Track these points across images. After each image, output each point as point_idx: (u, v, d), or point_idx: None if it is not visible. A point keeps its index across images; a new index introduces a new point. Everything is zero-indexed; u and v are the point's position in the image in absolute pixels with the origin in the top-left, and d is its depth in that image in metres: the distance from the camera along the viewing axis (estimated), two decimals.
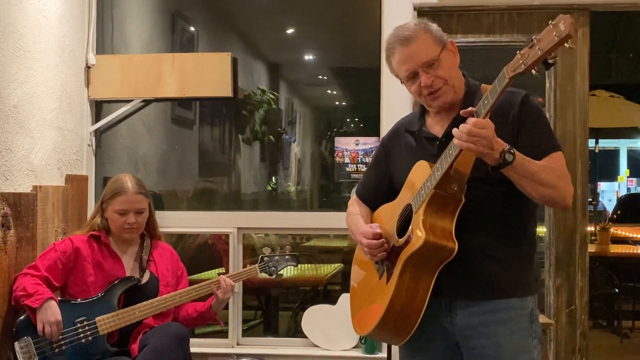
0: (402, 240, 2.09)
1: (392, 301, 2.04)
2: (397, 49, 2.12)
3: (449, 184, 2.00)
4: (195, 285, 3.14)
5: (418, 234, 1.99)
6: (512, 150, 1.89)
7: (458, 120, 2.09)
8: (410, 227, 2.06)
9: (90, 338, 2.95)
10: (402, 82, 2.21)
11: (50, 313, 2.88)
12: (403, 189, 2.21)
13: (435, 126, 2.20)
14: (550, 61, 1.75)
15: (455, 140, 1.89)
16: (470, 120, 1.87)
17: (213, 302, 3.16)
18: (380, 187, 2.37)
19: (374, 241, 2.15)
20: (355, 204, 2.46)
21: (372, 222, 2.32)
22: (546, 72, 3.63)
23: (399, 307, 2.05)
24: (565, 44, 1.69)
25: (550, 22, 1.72)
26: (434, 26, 2.15)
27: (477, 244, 2.04)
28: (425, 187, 2.02)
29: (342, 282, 4.51)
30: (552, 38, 1.69)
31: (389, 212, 2.26)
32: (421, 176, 2.08)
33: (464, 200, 2.01)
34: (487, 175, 1.98)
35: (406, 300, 2.04)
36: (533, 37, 1.76)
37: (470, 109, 1.91)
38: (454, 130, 1.90)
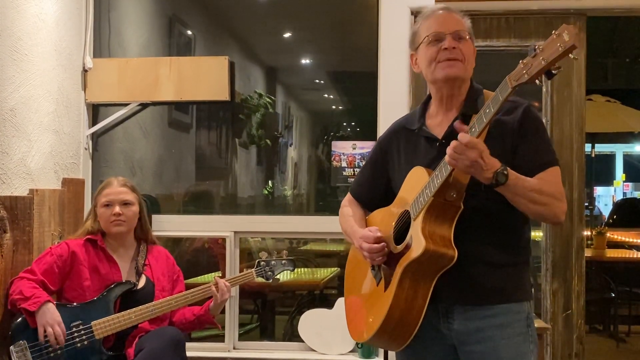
0: (400, 247, 2.08)
1: (391, 309, 2.03)
2: (436, 12, 2.17)
3: (448, 192, 1.99)
4: (192, 290, 3.13)
5: (418, 241, 1.98)
6: (505, 172, 1.90)
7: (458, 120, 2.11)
8: (409, 234, 2.06)
9: (85, 342, 2.94)
10: (415, 49, 2.20)
11: (50, 315, 2.88)
12: (399, 195, 2.20)
13: (436, 127, 2.18)
14: (554, 71, 1.74)
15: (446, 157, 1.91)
16: (460, 135, 1.87)
17: (211, 305, 3.15)
18: (377, 188, 2.35)
19: (375, 245, 2.13)
20: (349, 205, 2.44)
21: (367, 226, 2.31)
22: (542, 76, 3.65)
23: (398, 315, 2.04)
24: (570, 55, 1.68)
25: (553, 32, 1.71)
26: (470, 23, 2.20)
27: (473, 250, 2.03)
28: (423, 194, 2.01)
29: (338, 286, 4.51)
30: (556, 49, 1.68)
31: (385, 217, 2.25)
32: (418, 182, 2.06)
33: (462, 207, 2.01)
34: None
35: (405, 308, 2.03)
36: (536, 46, 1.75)
37: (463, 126, 1.91)
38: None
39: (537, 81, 1.77)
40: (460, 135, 1.88)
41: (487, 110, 1.87)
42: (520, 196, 1.96)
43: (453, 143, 1.88)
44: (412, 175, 2.14)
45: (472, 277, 2.05)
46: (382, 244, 2.13)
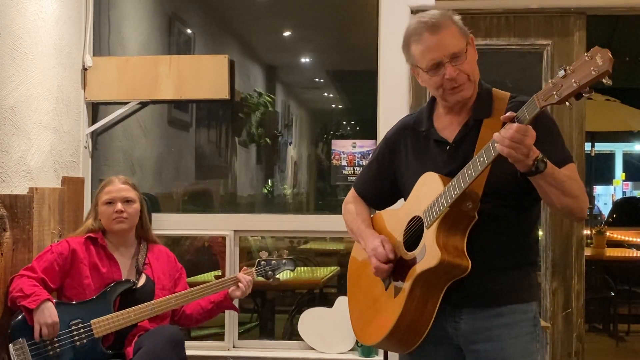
0: (411, 254, 2.06)
1: (401, 316, 2.03)
2: (424, 35, 2.04)
3: (464, 202, 1.96)
4: (192, 289, 3.12)
5: (433, 252, 1.96)
6: (545, 160, 1.85)
7: (469, 125, 2.08)
8: (422, 242, 2.03)
9: (85, 340, 2.94)
10: (414, 70, 2.13)
11: (47, 314, 2.87)
12: (409, 200, 2.17)
13: (445, 130, 2.14)
14: (584, 94, 1.69)
15: (497, 145, 1.82)
16: (513, 125, 1.79)
17: (234, 292, 3.13)
18: (382, 186, 2.33)
19: (384, 266, 2.12)
20: (353, 202, 2.41)
21: (373, 226, 2.30)
22: (542, 75, 3.65)
23: (408, 322, 2.04)
24: (603, 80, 1.64)
25: (585, 54, 1.67)
26: (458, 18, 2.10)
27: (483, 255, 2.01)
28: (439, 204, 1.98)
29: (338, 285, 4.51)
30: (589, 72, 1.64)
31: (393, 220, 2.23)
32: (431, 190, 2.03)
33: (476, 217, 1.98)
34: (497, 189, 1.98)
35: (415, 315, 2.03)
36: (566, 67, 1.70)
37: (510, 114, 1.84)
38: (495, 134, 1.82)
39: (567, 103, 1.72)
40: (513, 125, 1.79)
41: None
42: (553, 187, 1.90)
43: (508, 132, 1.79)
44: (424, 180, 2.10)
45: (481, 281, 2.03)
46: (390, 265, 2.12)
